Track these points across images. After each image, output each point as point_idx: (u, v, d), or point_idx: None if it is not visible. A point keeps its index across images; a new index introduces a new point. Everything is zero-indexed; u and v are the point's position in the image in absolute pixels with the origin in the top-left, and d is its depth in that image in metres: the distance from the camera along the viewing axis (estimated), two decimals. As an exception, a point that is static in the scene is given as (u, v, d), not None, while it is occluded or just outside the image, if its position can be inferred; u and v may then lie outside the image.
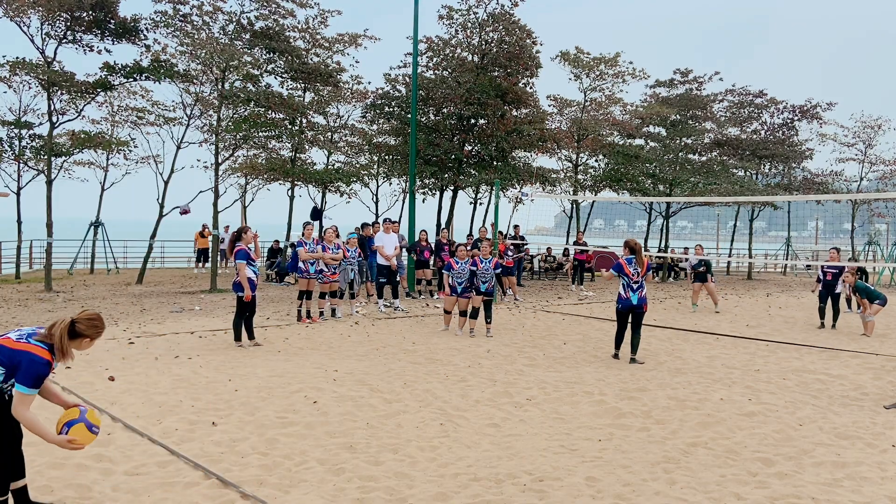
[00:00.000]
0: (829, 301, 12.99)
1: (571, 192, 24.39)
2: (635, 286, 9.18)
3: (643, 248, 9.48)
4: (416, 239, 16.14)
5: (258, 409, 6.38)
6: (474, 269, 11.06)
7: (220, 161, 17.56)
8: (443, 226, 21.30)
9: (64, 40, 16.31)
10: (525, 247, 20.22)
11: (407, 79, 20.87)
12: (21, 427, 4.07)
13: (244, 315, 9.52)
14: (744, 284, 23.96)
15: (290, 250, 19.45)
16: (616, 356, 9.43)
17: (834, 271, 12.92)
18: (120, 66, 16.38)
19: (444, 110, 21.23)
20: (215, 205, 17.47)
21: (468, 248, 11.78)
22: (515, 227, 19.34)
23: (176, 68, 16.99)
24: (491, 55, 20.84)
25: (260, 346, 9.58)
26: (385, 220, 15.01)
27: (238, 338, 9.49)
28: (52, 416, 4.97)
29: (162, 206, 18.45)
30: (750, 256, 27.11)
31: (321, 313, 12.49)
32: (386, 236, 13.99)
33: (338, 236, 12.86)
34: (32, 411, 3.78)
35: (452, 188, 21.64)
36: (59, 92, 16.45)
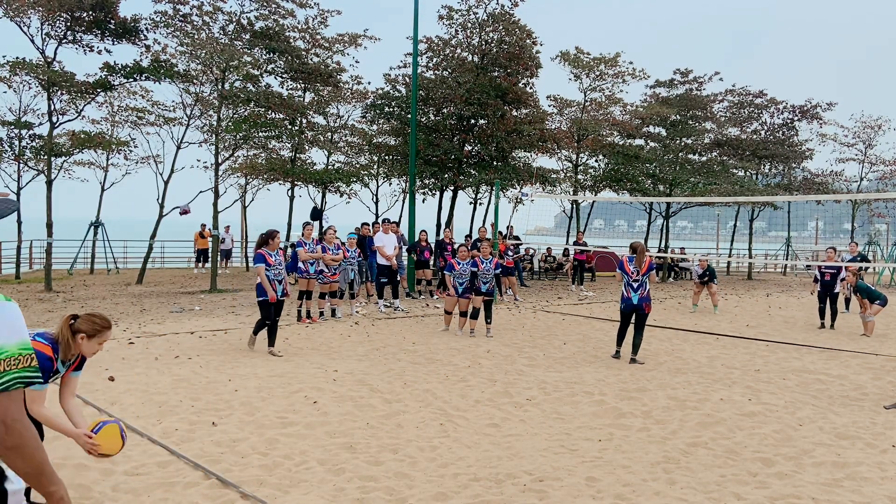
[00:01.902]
0: (828, 301, 13.03)
1: (571, 192, 24.39)
2: (635, 285, 9.22)
3: (646, 250, 9.56)
4: (416, 239, 16.15)
5: (258, 409, 6.38)
6: (475, 269, 11.07)
7: (220, 161, 17.57)
8: (444, 226, 21.28)
9: (64, 40, 16.31)
10: (521, 246, 20.19)
11: (407, 79, 20.87)
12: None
13: (266, 319, 9.09)
14: (744, 284, 23.96)
15: (289, 250, 19.45)
16: (617, 355, 9.43)
17: (832, 271, 12.95)
18: (120, 66, 16.37)
19: (444, 110, 21.23)
20: (215, 205, 17.47)
21: (468, 248, 11.80)
22: (509, 227, 19.33)
23: (176, 68, 16.99)
24: (491, 55, 20.84)
25: (278, 356, 8.87)
26: (384, 221, 15.02)
27: (255, 333, 9.21)
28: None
29: (162, 206, 18.46)
30: (750, 256, 27.12)
31: (321, 313, 12.49)
32: (385, 236, 14.01)
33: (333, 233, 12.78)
34: (47, 407, 3.75)
35: (452, 188, 21.64)
36: (59, 92, 16.44)
